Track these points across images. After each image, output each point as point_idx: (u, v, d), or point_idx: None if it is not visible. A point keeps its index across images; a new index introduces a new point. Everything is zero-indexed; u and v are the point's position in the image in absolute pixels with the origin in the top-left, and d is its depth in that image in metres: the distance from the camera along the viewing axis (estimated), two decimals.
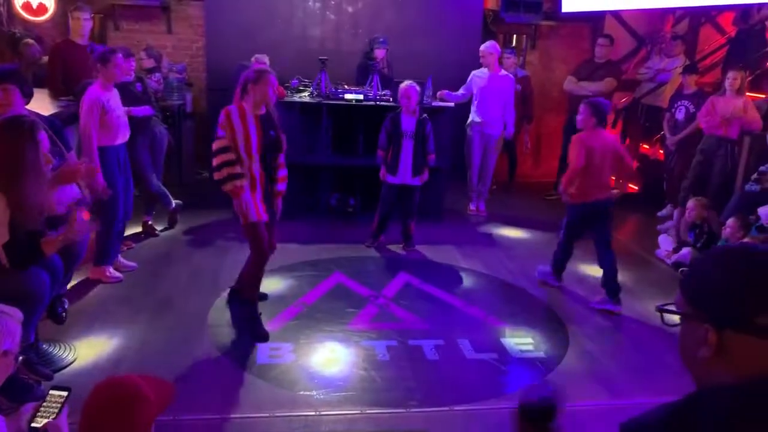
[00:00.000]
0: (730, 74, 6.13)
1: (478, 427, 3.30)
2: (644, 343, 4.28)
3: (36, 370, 3.33)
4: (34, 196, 3.11)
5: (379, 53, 6.92)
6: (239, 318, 4.20)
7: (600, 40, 7.43)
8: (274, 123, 3.98)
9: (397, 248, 5.74)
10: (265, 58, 6.04)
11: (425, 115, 5.56)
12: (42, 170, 3.18)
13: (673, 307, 1.22)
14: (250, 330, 4.02)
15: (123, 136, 4.67)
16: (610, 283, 4.70)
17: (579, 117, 4.71)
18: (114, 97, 4.57)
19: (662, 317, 1.26)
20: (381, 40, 6.97)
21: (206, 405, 3.30)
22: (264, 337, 3.97)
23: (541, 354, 4.04)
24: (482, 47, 6.71)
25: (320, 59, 6.39)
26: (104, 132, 4.46)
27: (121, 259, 4.92)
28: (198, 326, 4.12)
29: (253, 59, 6.07)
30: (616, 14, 8.20)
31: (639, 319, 4.62)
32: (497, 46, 6.75)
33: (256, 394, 3.44)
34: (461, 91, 6.79)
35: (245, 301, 4.15)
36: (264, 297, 4.52)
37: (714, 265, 1.15)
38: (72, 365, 3.57)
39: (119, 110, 4.61)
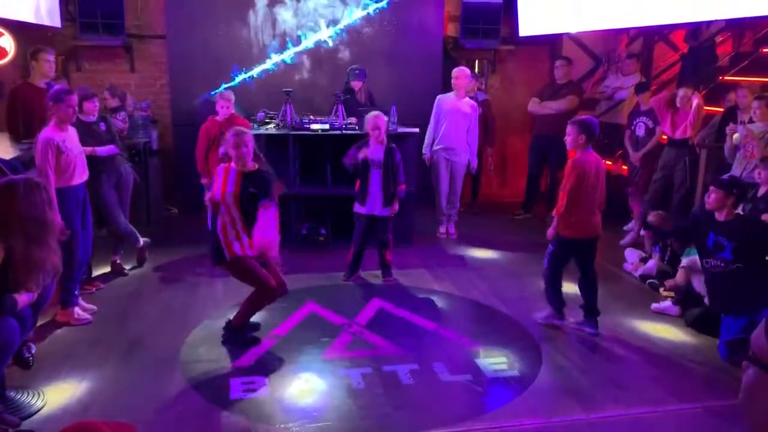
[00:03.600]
0: (681, 92, 6.33)
1: None
2: (616, 356, 4.34)
3: (3, 419, 3.25)
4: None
5: (356, 84, 6.99)
6: (219, 344, 4.34)
7: (558, 62, 7.64)
8: (257, 180, 4.25)
9: (370, 276, 5.75)
10: (231, 95, 6.07)
11: (393, 144, 5.58)
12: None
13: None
14: (238, 339, 4.31)
15: (81, 176, 4.61)
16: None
17: (567, 137, 4.54)
18: (70, 138, 4.52)
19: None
20: (357, 71, 7.05)
21: None
22: (254, 340, 4.34)
23: (515, 372, 4.06)
24: (457, 70, 6.86)
25: (285, 91, 6.46)
26: (61, 173, 4.40)
27: (81, 301, 4.82)
28: (170, 364, 4.07)
29: (217, 97, 6.10)
30: (573, 36, 8.43)
31: (610, 333, 4.68)
32: (468, 72, 6.91)
33: (231, 430, 3.40)
34: (432, 123, 6.91)
35: (231, 327, 4.35)
36: (257, 327, 4.57)
37: None
38: (41, 411, 3.48)
39: (76, 150, 4.56)
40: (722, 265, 4.36)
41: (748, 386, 0.97)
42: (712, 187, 4.52)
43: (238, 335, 4.33)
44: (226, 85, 6.74)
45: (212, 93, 6.57)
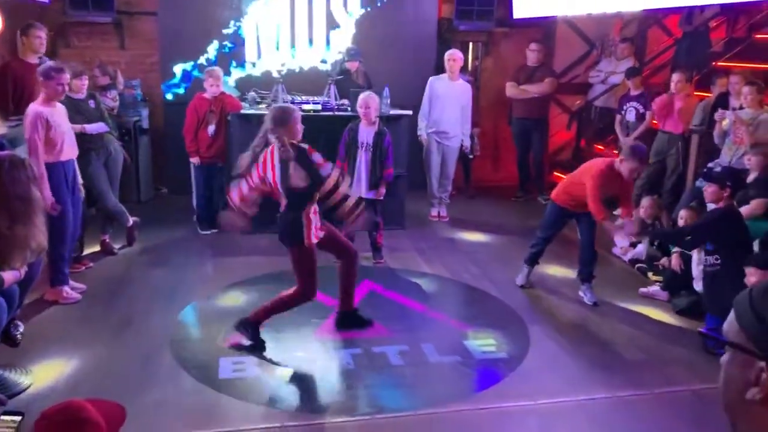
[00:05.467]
0: (675, 76, 6.32)
1: (444, 431, 3.33)
2: (604, 339, 4.37)
3: None
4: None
5: (352, 65, 6.93)
6: (208, 324, 4.24)
7: (532, 45, 7.63)
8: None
9: (361, 258, 5.71)
10: (220, 72, 6.01)
11: (385, 127, 5.56)
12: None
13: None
14: (250, 335, 4.01)
15: (69, 153, 4.57)
16: None
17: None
18: (58, 113, 4.48)
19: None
20: (353, 52, 7.00)
21: (171, 423, 3.27)
22: (262, 344, 4.01)
23: (503, 354, 4.09)
24: (451, 52, 6.83)
25: (277, 71, 6.40)
26: (49, 148, 4.36)
27: (69, 280, 4.77)
28: (159, 344, 4.06)
29: (205, 74, 6.04)
30: (567, 19, 8.38)
31: (598, 316, 4.71)
32: (461, 54, 6.89)
33: (220, 410, 3.42)
34: (424, 105, 6.86)
35: (247, 321, 4.04)
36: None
37: None
38: (29, 390, 3.48)
39: (65, 126, 4.52)
40: (708, 260, 4.35)
41: (724, 367, 1.01)
42: (706, 182, 4.51)
43: (253, 331, 4.01)
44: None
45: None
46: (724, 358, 1.00)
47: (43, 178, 4.15)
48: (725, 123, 5.59)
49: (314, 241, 3.91)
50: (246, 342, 3.99)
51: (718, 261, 4.28)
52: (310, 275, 3.94)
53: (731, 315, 0.99)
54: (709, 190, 4.47)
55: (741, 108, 5.63)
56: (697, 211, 5.21)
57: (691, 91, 6.45)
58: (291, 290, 4.00)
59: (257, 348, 3.99)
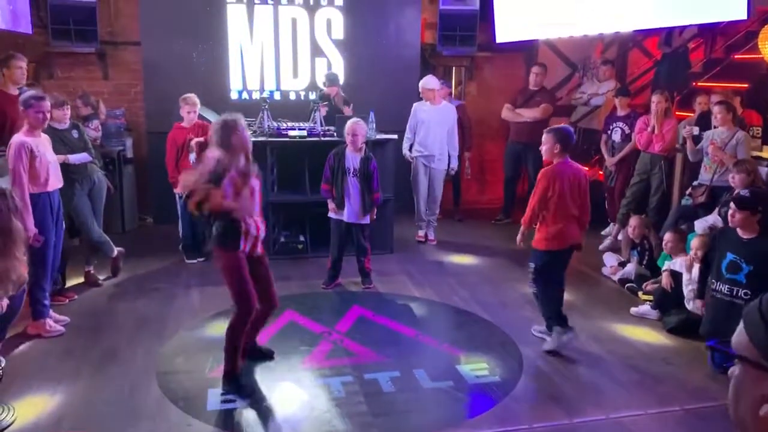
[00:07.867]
0: (654, 98, 6.38)
1: None
2: (596, 360, 4.33)
3: None
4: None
5: (331, 90, 6.98)
6: (195, 354, 4.08)
7: (534, 68, 7.69)
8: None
9: (349, 283, 5.70)
10: (196, 99, 5.98)
11: (370, 153, 5.57)
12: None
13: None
14: (239, 389, 3.79)
15: (54, 183, 4.52)
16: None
17: (543, 147, 4.34)
18: (43, 143, 4.44)
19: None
20: (331, 77, 7.08)
21: None
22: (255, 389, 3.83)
23: (496, 378, 4.04)
24: (421, 83, 6.86)
25: (262, 98, 6.40)
26: (34, 178, 4.32)
27: (52, 313, 4.67)
28: (145, 376, 3.97)
29: (180, 100, 6.00)
30: (549, 43, 8.49)
31: (589, 337, 4.68)
32: (435, 80, 6.92)
33: None
34: (408, 129, 6.91)
35: (227, 378, 3.80)
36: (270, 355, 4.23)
37: None
38: (12, 426, 3.38)
39: (49, 156, 4.47)
40: (735, 291, 4.08)
41: (735, 382, 0.97)
42: (733, 208, 4.19)
43: (236, 384, 3.79)
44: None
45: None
46: (734, 372, 0.97)
47: (26, 208, 4.09)
48: (702, 143, 5.68)
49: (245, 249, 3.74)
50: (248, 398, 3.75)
51: (748, 296, 3.99)
52: (240, 286, 3.71)
53: (740, 327, 0.96)
54: (736, 216, 4.15)
55: (715, 126, 5.70)
56: (684, 233, 5.22)
57: (672, 111, 6.51)
58: (231, 317, 3.80)
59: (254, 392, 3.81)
